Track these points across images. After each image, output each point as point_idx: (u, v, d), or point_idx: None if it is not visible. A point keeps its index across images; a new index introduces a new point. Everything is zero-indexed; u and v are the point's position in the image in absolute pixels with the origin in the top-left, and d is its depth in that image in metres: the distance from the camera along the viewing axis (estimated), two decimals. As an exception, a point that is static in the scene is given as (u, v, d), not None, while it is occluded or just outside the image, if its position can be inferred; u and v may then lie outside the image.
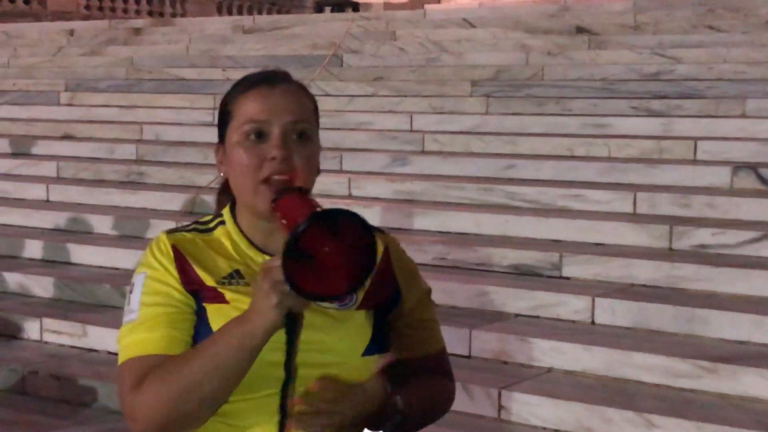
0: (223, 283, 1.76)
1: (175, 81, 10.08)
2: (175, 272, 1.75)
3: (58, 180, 8.08)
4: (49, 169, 8.30)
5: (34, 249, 6.74)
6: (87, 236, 6.86)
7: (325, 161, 7.02)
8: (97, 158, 8.46)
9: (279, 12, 20.26)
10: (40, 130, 9.44)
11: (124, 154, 8.46)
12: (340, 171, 7.16)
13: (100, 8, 18.09)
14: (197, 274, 1.76)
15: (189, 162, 7.63)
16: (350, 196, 6.72)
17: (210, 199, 6.04)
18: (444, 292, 5.18)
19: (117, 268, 6.24)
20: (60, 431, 4.54)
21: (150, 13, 18.57)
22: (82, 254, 6.52)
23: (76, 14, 17.38)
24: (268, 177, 1.73)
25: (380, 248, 1.83)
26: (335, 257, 1.52)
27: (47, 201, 7.70)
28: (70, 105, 10.13)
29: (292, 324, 1.59)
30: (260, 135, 1.75)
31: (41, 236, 6.91)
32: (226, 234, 1.83)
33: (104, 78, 10.59)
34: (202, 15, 17.23)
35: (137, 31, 12.48)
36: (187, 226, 1.87)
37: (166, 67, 10.48)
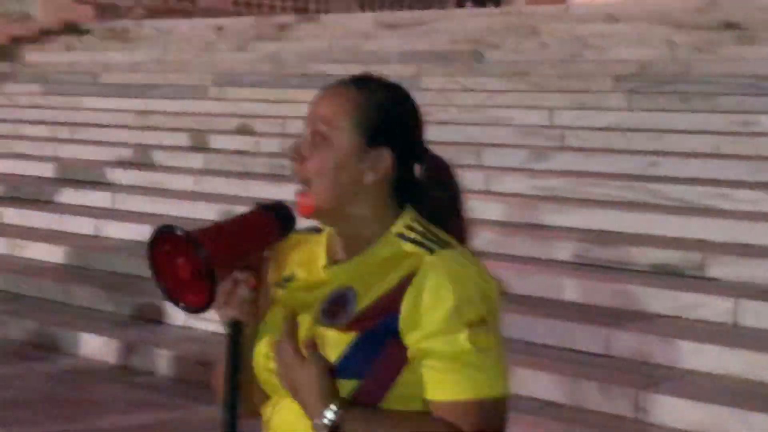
0: (279, 284, 1.84)
1: (318, 76, 10.24)
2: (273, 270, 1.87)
3: (206, 172, 8.33)
4: (197, 161, 8.57)
5: (181, 238, 6.95)
6: (232, 227, 7.04)
7: (463, 156, 7.14)
8: (243, 151, 8.68)
9: (421, 8, 20.31)
10: (190, 123, 9.76)
11: (269, 147, 8.65)
12: (479, 166, 7.15)
13: (248, 5, 18.50)
14: (270, 272, 1.85)
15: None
16: (488, 192, 6.70)
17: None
18: (583, 290, 5.14)
19: (260, 258, 6.39)
20: (205, 416, 4.68)
21: (295, 10, 18.89)
22: (227, 244, 6.70)
23: (224, 11, 17.81)
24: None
25: (404, 270, 1.67)
26: (182, 270, 1.75)
27: (195, 192, 7.95)
28: (217, 99, 10.43)
29: (234, 331, 1.75)
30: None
31: (189, 226, 7.11)
32: (323, 240, 1.84)
33: (250, 73, 10.85)
34: (345, 11, 17.43)
35: (282, 27, 12.74)
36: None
37: (310, 62, 10.67)
